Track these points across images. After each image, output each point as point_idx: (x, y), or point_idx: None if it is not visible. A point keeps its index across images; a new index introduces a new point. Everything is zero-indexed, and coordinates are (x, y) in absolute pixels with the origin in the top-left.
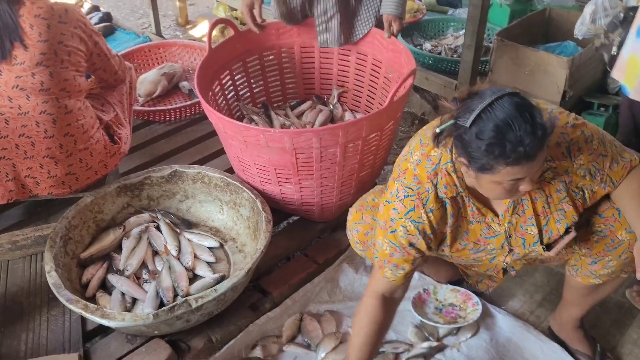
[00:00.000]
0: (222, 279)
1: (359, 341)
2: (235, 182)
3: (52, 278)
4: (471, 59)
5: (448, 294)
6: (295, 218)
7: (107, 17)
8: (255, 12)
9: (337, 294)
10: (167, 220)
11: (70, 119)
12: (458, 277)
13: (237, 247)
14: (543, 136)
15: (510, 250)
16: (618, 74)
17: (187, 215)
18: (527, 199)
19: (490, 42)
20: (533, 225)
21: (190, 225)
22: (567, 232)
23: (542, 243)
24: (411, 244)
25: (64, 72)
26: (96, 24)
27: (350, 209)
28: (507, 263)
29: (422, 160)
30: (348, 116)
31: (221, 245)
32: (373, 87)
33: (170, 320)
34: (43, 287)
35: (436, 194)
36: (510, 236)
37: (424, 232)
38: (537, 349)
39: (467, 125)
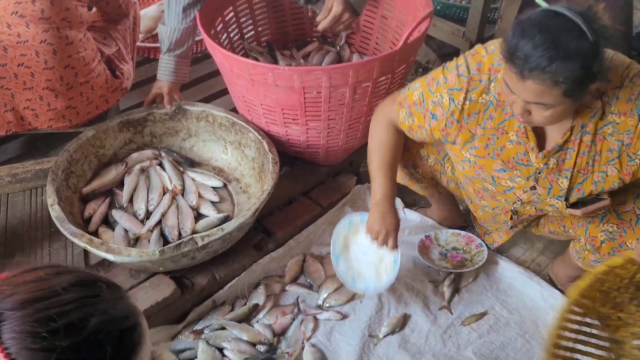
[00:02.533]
0: (226, 219)
1: (384, 170)
2: (240, 122)
3: (55, 211)
4: (481, 6)
5: (450, 237)
6: (299, 161)
7: None
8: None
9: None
10: (170, 159)
11: (71, 51)
12: (461, 224)
13: (241, 187)
14: (546, 67)
15: (533, 188)
16: None
17: (190, 154)
18: (574, 149)
19: None
20: (566, 178)
21: (193, 163)
22: (598, 197)
23: (567, 200)
24: (433, 114)
25: (65, 1)
26: None
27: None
28: (520, 200)
29: (496, 51)
30: (356, 59)
31: (225, 186)
32: (384, 30)
33: (175, 257)
34: (44, 221)
35: (487, 88)
36: (540, 173)
37: (453, 113)
38: (537, 295)
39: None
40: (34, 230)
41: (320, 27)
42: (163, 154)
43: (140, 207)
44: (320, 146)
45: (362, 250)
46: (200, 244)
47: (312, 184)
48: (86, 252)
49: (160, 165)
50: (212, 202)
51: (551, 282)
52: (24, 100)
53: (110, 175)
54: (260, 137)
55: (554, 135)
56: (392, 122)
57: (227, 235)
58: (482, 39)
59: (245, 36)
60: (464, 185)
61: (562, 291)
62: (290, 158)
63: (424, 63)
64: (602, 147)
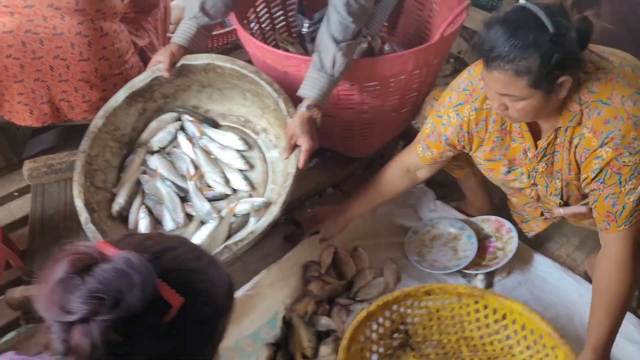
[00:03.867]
0: (265, 204)
1: (367, 190)
2: (251, 75)
3: (91, 231)
4: None
5: (480, 225)
6: (329, 154)
7: None
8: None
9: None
10: (191, 120)
11: (106, 42)
12: (492, 214)
13: (270, 140)
14: (506, 57)
15: (534, 185)
16: None
17: (209, 103)
18: (560, 153)
19: None
20: (559, 179)
21: (215, 124)
22: (584, 203)
23: (562, 199)
24: (445, 135)
25: None
26: None
27: (435, 88)
28: (534, 198)
29: None
30: (387, 49)
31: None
32: (415, 20)
33: None
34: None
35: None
36: (536, 172)
37: (461, 127)
38: (573, 291)
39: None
40: (69, 220)
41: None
42: (183, 118)
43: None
44: (352, 138)
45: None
46: (234, 250)
47: (342, 176)
48: None
49: (182, 129)
50: (242, 171)
51: (587, 278)
52: (60, 92)
53: (135, 165)
54: (275, 95)
55: (543, 137)
56: (404, 161)
57: (260, 235)
58: None
59: (277, 27)
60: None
61: None
62: (320, 149)
63: (456, 53)
64: (572, 156)
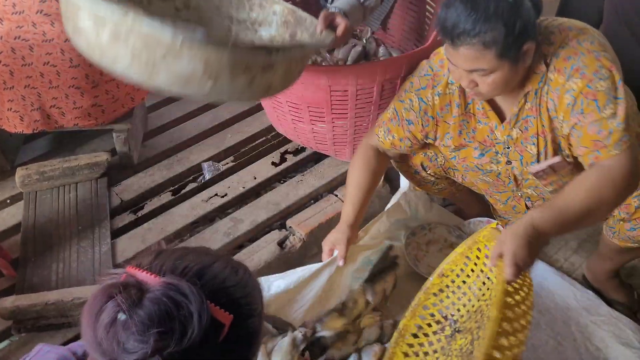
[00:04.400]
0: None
1: (352, 184)
2: None
3: None
4: None
5: (473, 227)
6: (325, 158)
7: None
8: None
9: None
10: None
11: None
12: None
13: None
14: (471, 31)
15: (509, 162)
16: None
17: None
18: (534, 116)
19: None
20: (534, 144)
21: None
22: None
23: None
24: (409, 120)
25: None
26: None
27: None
28: (512, 180)
29: None
30: (382, 52)
31: None
32: (410, 22)
33: (249, 61)
34: (72, 219)
35: (449, 80)
36: (509, 147)
37: (425, 112)
38: (570, 296)
39: None
40: (62, 228)
41: None
42: None
43: None
44: (347, 143)
45: None
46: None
47: (338, 181)
48: (114, 251)
49: None
50: None
51: (585, 282)
52: (51, 99)
53: None
54: None
55: (512, 104)
56: (372, 146)
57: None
58: None
59: None
60: (473, 181)
61: (597, 290)
62: (316, 154)
63: None
64: (544, 109)
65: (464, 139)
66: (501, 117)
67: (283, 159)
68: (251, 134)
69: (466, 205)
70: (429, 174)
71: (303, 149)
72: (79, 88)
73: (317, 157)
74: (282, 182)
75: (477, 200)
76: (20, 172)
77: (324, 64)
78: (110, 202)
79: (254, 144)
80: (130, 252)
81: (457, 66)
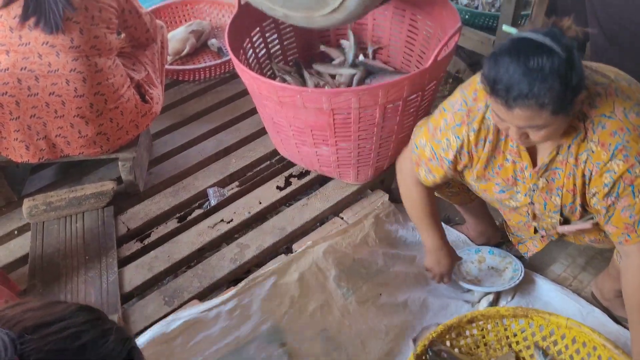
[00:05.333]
0: None
1: (427, 223)
2: None
3: None
4: (511, 13)
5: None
6: (329, 181)
7: None
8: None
9: (374, 246)
10: None
11: (101, 78)
12: (498, 241)
13: None
14: (529, 94)
15: (531, 203)
16: None
17: None
18: (562, 169)
19: None
20: (558, 196)
21: None
22: (587, 219)
23: (561, 215)
24: (448, 159)
25: (94, 29)
26: None
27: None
28: (530, 216)
29: None
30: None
31: None
32: (410, 44)
33: None
34: (79, 249)
35: (484, 115)
36: (533, 190)
37: (461, 148)
38: (577, 314)
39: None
40: (69, 258)
41: None
42: None
43: None
44: (351, 165)
45: None
46: None
47: (343, 203)
48: (121, 280)
49: None
50: None
51: (594, 299)
52: (56, 128)
53: None
54: None
55: (544, 153)
56: (417, 179)
57: None
58: None
59: (272, 51)
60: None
61: (605, 308)
62: (320, 177)
63: (454, 72)
64: (579, 172)
65: (488, 172)
66: (533, 158)
67: (288, 183)
68: (255, 158)
69: (472, 219)
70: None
71: (307, 172)
72: (83, 117)
73: (322, 180)
74: (287, 205)
75: (487, 216)
76: (27, 203)
77: (327, 87)
78: (117, 230)
79: (258, 168)
80: (137, 281)
81: (507, 122)
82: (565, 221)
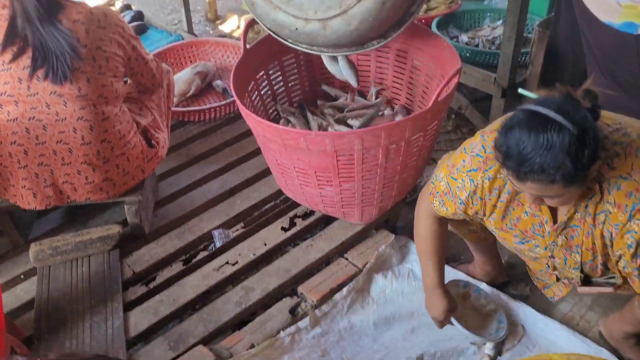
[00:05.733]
0: None
1: (430, 259)
2: None
3: None
4: (511, 52)
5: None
6: (334, 221)
7: (138, 15)
8: None
9: (371, 305)
10: None
11: (107, 125)
12: (504, 280)
13: None
14: (539, 170)
15: (552, 257)
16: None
17: None
18: (580, 227)
19: (530, 33)
20: (578, 254)
21: None
22: (609, 279)
23: (582, 272)
24: (460, 200)
25: (101, 78)
26: (129, 22)
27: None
28: (550, 268)
29: None
30: (387, 113)
31: None
32: (412, 85)
33: None
34: (85, 294)
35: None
36: (555, 244)
37: (475, 192)
38: (583, 353)
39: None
40: (75, 303)
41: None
42: None
43: None
44: (355, 205)
45: None
46: None
47: (348, 243)
48: (126, 325)
49: None
50: None
51: (602, 340)
52: (63, 175)
53: None
54: None
55: (562, 211)
56: (432, 213)
57: None
58: (514, 84)
59: (276, 93)
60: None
61: (614, 349)
62: (325, 217)
63: (456, 109)
64: (597, 233)
65: (506, 224)
66: (553, 212)
67: (292, 223)
68: (260, 199)
69: (482, 258)
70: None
71: (312, 212)
72: (90, 164)
73: (327, 220)
74: (293, 245)
75: (496, 257)
76: (33, 248)
77: (330, 129)
78: (122, 274)
79: (263, 209)
80: (143, 325)
81: (522, 189)
82: (586, 277)
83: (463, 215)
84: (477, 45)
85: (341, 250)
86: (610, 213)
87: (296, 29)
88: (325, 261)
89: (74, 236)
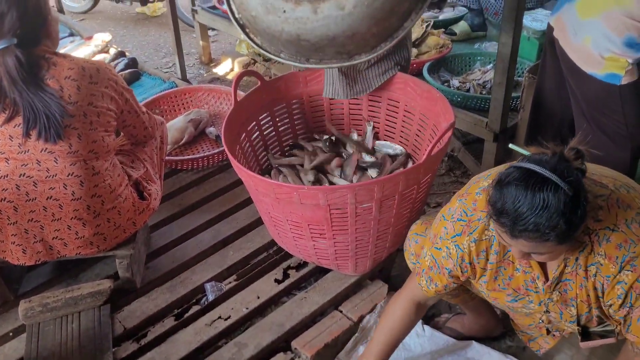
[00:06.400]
0: None
1: (383, 338)
2: None
3: None
4: (502, 97)
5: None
6: (328, 272)
7: (132, 62)
8: None
9: None
10: None
11: (98, 180)
12: (500, 332)
13: None
14: (534, 229)
15: (547, 312)
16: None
17: None
18: (573, 280)
19: (521, 77)
20: (573, 307)
21: None
22: (608, 331)
23: (579, 324)
24: (448, 269)
25: (92, 134)
26: (122, 70)
27: (416, 221)
28: (544, 322)
29: (489, 188)
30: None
31: None
32: (406, 134)
33: None
34: (74, 351)
35: (486, 225)
36: (550, 300)
37: (462, 259)
38: None
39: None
40: None
41: None
42: None
43: None
44: (349, 258)
45: None
46: None
47: (342, 295)
48: None
49: None
50: None
51: None
52: (53, 231)
53: None
54: None
55: (552, 267)
56: (413, 297)
57: None
58: (505, 128)
59: (268, 142)
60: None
61: None
62: (319, 267)
63: (449, 152)
64: (590, 285)
65: (499, 284)
66: (543, 268)
67: (286, 275)
68: (253, 249)
69: (474, 314)
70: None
71: (306, 263)
72: (80, 219)
73: (320, 270)
74: (287, 296)
75: (489, 310)
76: (23, 305)
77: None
78: (113, 330)
79: (256, 260)
80: None
81: (512, 246)
82: (583, 328)
83: (455, 285)
84: (468, 90)
85: (335, 302)
86: (602, 265)
87: (284, 11)
88: (320, 314)
89: (64, 292)
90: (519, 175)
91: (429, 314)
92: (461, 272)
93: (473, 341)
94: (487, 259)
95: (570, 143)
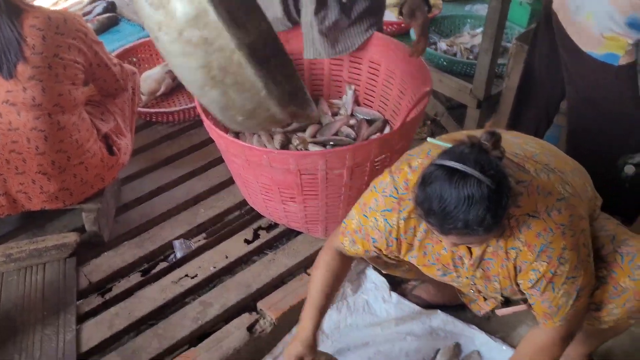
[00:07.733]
0: None
1: (316, 288)
2: None
3: None
4: (488, 64)
5: None
6: (299, 234)
7: (111, 6)
8: None
9: (325, 341)
10: None
11: (63, 135)
12: (458, 302)
13: None
14: (461, 226)
15: (474, 284)
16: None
17: None
18: (494, 259)
19: (509, 42)
20: (496, 282)
21: None
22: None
23: (502, 296)
24: (374, 238)
25: (57, 87)
26: (100, 13)
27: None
28: (474, 292)
29: (419, 169)
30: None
31: None
32: (385, 98)
33: None
34: (37, 304)
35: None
36: (474, 277)
37: (390, 233)
38: None
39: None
40: (26, 313)
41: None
42: None
43: None
44: (319, 222)
45: None
46: None
47: (311, 259)
48: (78, 339)
49: None
50: None
51: None
52: (17, 184)
53: None
54: None
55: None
56: (337, 251)
57: None
58: (489, 96)
59: None
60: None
61: None
62: (289, 230)
63: (432, 115)
64: (510, 265)
65: (429, 260)
66: (468, 246)
67: (256, 235)
68: (224, 208)
69: (435, 283)
70: (389, 257)
71: (276, 225)
72: (45, 174)
73: (291, 233)
74: (256, 256)
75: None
76: None
77: (295, 142)
78: (78, 283)
79: (226, 219)
80: (96, 340)
81: (441, 238)
82: (507, 299)
83: (376, 253)
84: (455, 54)
85: (304, 265)
86: (521, 251)
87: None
88: (288, 275)
89: (28, 243)
90: (441, 174)
91: (397, 279)
92: (386, 245)
93: (438, 310)
94: (415, 235)
95: (485, 127)
